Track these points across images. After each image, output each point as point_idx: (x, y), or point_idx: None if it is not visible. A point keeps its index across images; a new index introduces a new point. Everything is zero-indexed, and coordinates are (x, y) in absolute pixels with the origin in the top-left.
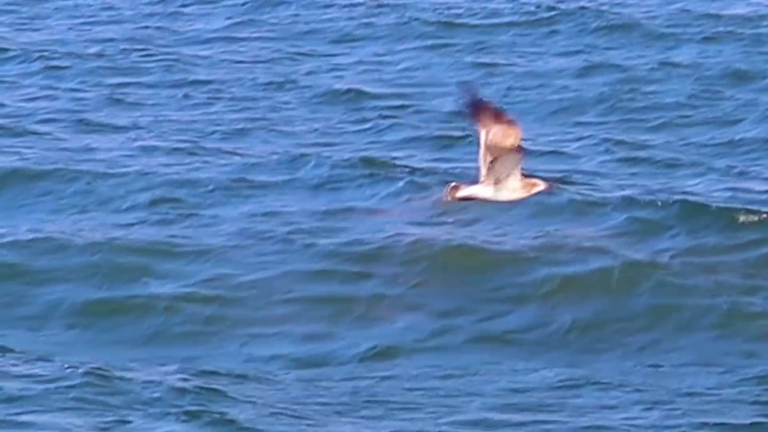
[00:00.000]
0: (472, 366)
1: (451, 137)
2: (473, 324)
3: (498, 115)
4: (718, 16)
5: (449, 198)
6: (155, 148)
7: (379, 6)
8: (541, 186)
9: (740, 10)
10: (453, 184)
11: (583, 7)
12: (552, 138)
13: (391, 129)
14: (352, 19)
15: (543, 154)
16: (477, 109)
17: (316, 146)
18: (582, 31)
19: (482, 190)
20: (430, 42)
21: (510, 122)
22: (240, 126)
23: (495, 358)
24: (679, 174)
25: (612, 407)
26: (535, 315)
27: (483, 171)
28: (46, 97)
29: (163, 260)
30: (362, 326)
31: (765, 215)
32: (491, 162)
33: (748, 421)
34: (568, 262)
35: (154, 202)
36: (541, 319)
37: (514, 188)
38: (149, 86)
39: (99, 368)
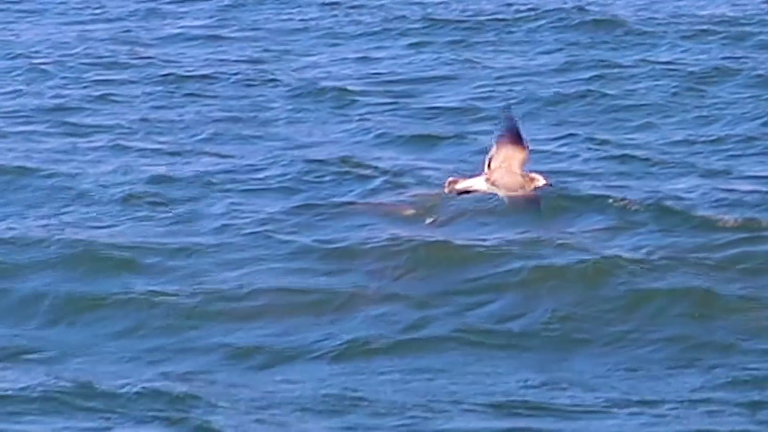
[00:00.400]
0: (452, 365)
1: (433, 136)
2: (452, 321)
3: (517, 141)
4: (700, 15)
5: (448, 190)
6: (137, 147)
7: (362, 4)
8: (541, 181)
9: (723, 9)
10: (452, 178)
11: (565, 6)
12: (533, 136)
13: (373, 127)
14: (334, 17)
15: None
16: (510, 134)
17: (298, 145)
18: (564, 30)
19: (481, 184)
20: (413, 40)
21: (524, 147)
22: (222, 124)
23: (475, 355)
24: (659, 172)
25: (597, 411)
26: (515, 311)
27: (485, 166)
28: (28, 94)
29: (144, 257)
30: (342, 323)
31: (744, 214)
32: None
33: (731, 429)
34: (547, 258)
35: (135, 200)
36: (521, 315)
37: (513, 182)
38: (132, 85)
39: (79, 370)
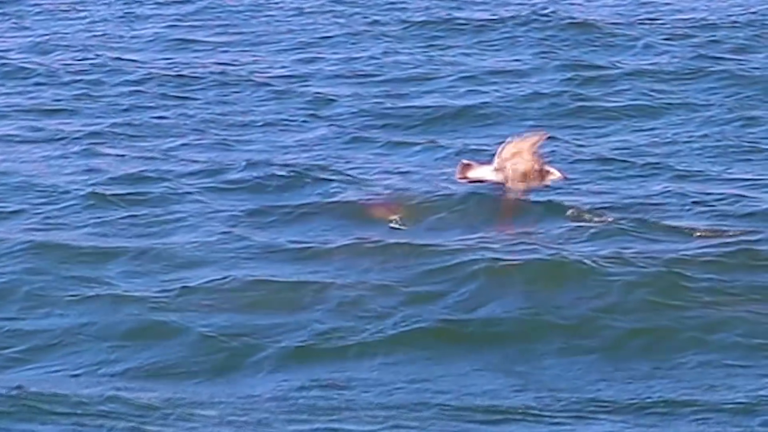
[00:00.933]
0: (424, 365)
1: (408, 140)
2: (425, 321)
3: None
4: (677, 19)
5: (459, 176)
6: (110, 148)
7: (339, 9)
8: (556, 175)
9: (701, 13)
10: (465, 161)
11: (541, 9)
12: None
13: (348, 130)
14: (311, 21)
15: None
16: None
17: (272, 146)
18: (540, 32)
19: (493, 174)
20: (389, 42)
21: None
22: (199, 126)
23: (447, 356)
24: (633, 173)
25: (576, 417)
26: (487, 309)
27: (496, 157)
28: (2, 95)
29: (115, 257)
30: (314, 321)
31: (716, 215)
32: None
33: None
34: (518, 258)
35: (107, 200)
36: (494, 314)
37: (526, 175)
38: (107, 88)
39: (47, 374)
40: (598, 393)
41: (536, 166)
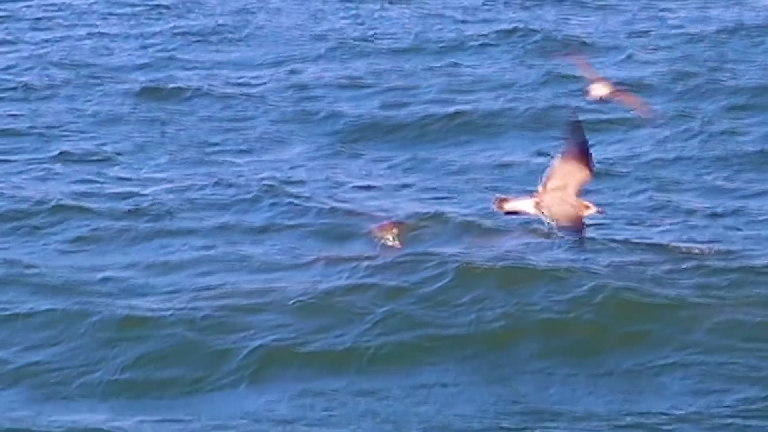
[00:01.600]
0: (402, 377)
1: (391, 156)
2: (397, 331)
3: (583, 157)
4: (654, 33)
5: (496, 208)
6: (93, 167)
7: (319, 27)
8: (592, 209)
9: (677, 28)
10: (500, 196)
11: (526, 26)
12: (487, 152)
13: (333, 146)
14: (295, 37)
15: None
16: (575, 143)
17: (255, 164)
18: (522, 47)
19: (530, 206)
20: (372, 60)
21: (590, 168)
22: (185, 144)
23: (424, 365)
24: (611, 186)
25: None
26: (466, 323)
27: (540, 184)
28: None
29: (91, 273)
30: (275, 337)
31: (693, 230)
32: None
33: None
34: (494, 267)
35: (85, 217)
36: (470, 322)
37: (565, 212)
38: (89, 107)
39: (16, 400)
40: (589, 405)
41: (576, 203)
